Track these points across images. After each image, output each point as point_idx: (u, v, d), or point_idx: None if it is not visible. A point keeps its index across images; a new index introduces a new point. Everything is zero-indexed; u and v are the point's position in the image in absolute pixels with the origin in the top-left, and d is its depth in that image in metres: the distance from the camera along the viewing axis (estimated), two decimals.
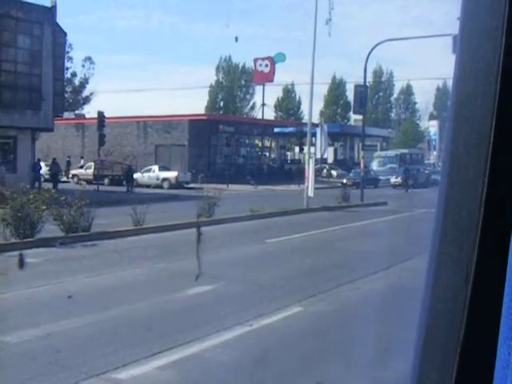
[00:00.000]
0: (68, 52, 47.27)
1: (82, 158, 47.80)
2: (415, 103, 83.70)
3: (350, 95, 50.53)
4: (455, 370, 0.96)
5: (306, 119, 36.45)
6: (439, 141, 65.42)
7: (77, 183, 37.29)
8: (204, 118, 50.28)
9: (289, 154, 63.95)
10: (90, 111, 55.24)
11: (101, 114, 36.47)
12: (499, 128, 0.94)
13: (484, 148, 0.94)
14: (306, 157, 28.01)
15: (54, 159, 37.91)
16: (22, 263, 11.22)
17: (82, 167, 45.46)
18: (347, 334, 7.66)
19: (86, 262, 12.95)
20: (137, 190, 35.86)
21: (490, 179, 0.93)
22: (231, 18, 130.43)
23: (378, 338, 6.63)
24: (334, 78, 75.81)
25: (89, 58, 58.35)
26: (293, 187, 36.77)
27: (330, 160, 56.63)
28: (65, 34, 35.55)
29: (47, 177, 36.54)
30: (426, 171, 47.00)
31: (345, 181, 39.18)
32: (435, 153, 66.64)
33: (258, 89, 71.80)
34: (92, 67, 58.68)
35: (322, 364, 6.48)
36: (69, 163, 46.69)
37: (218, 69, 76.13)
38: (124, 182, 37.44)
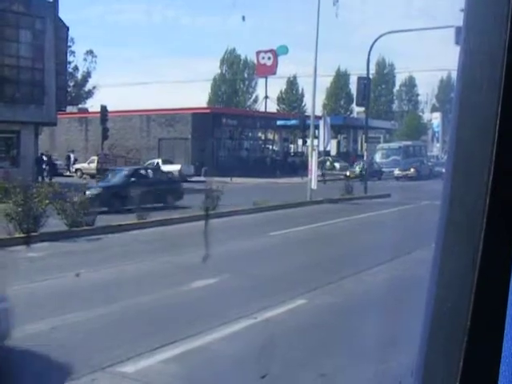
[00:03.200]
0: (70, 46, 47.21)
1: (70, 151, 47.45)
2: (417, 95, 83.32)
3: (353, 88, 50.34)
4: (462, 357, 0.96)
5: (308, 112, 36.38)
6: (442, 133, 65.26)
7: (80, 177, 37.29)
8: (207, 111, 50.23)
9: (292, 146, 63.70)
10: (93, 105, 55.00)
11: (104, 108, 36.46)
12: (504, 115, 0.93)
13: (490, 135, 0.94)
14: (309, 149, 27.99)
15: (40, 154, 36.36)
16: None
17: (71, 162, 45.58)
18: (351, 326, 7.66)
19: (89, 256, 12.97)
20: None
21: (495, 166, 0.93)
22: (233, 10, 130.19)
23: (382, 330, 6.63)
24: (338, 69, 75.54)
25: (91, 52, 58.12)
26: (296, 180, 36.72)
27: (334, 152, 56.54)
28: (67, 28, 35.56)
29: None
30: (430, 163, 46.91)
31: (348, 173, 39.13)
32: (438, 145, 66.50)
33: (261, 82, 71.74)
34: (94, 61, 58.50)
35: (326, 356, 6.49)
36: (69, 158, 46.52)
37: (222, 61, 75.79)
38: None
